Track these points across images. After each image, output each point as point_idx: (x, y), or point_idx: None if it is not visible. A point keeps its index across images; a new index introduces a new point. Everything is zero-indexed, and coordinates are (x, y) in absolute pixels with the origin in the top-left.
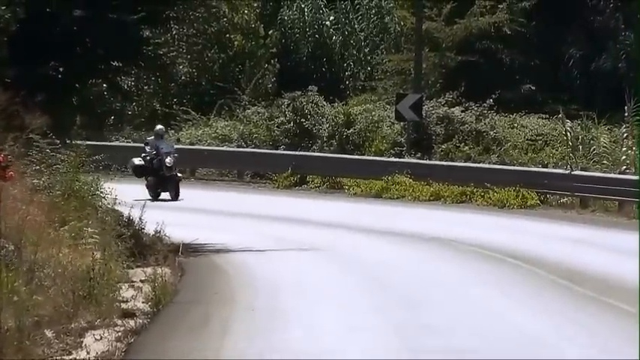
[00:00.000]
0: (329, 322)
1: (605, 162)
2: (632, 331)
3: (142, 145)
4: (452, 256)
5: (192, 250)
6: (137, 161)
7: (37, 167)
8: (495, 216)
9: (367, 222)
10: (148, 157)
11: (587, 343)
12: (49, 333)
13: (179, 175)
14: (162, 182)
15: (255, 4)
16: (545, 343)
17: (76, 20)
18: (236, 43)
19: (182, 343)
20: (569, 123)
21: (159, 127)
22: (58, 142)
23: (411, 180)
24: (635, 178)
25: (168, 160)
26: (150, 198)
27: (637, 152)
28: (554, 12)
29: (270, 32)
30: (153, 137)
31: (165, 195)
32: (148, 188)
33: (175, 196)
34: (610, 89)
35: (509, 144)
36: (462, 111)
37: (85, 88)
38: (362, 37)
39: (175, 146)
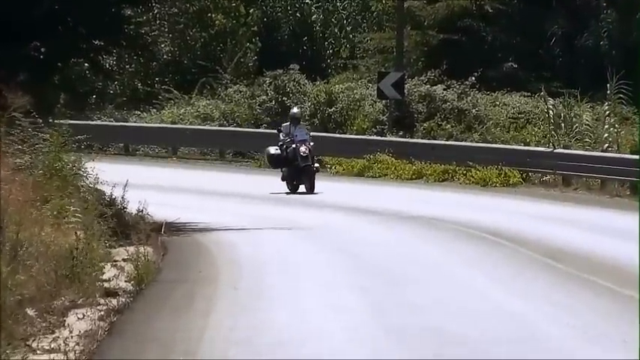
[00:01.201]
0: (312, 300)
1: (587, 140)
2: (612, 308)
3: (275, 131)
4: (434, 234)
5: (175, 229)
6: (272, 150)
7: (20, 147)
8: (478, 194)
9: (349, 201)
10: (284, 146)
11: (569, 321)
12: (31, 312)
13: (316, 165)
14: (296, 173)
15: None
16: (526, 322)
17: None
18: (217, 22)
19: (166, 322)
20: (551, 101)
21: (294, 110)
22: (41, 121)
23: (393, 158)
24: (617, 155)
25: (303, 149)
26: (288, 191)
27: (638, 132)
28: None
29: (251, 11)
30: (288, 122)
31: (302, 187)
32: (283, 180)
33: (310, 189)
34: (592, 67)
35: (491, 122)
36: (444, 89)
37: (66, 68)
38: (344, 16)
39: (311, 134)
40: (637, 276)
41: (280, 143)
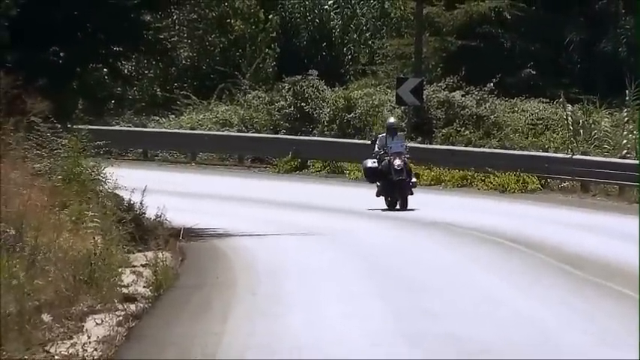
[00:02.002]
0: (329, 306)
1: (606, 146)
2: (632, 315)
3: (369, 142)
4: (452, 240)
5: (193, 234)
6: (369, 163)
7: (39, 152)
8: (496, 200)
9: (368, 206)
10: (380, 158)
11: (587, 328)
12: (49, 317)
13: (413, 180)
14: (389, 188)
15: None
16: (544, 328)
17: (77, 5)
18: (236, 27)
19: (183, 328)
20: (569, 107)
21: (391, 119)
22: (60, 126)
23: (411, 164)
24: (636, 162)
25: (397, 162)
26: (385, 207)
27: (638, 137)
28: None
29: (270, 17)
30: (384, 133)
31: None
32: (378, 195)
33: (403, 206)
34: (611, 73)
35: (509, 128)
36: (463, 95)
37: (85, 73)
38: (362, 21)
39: (406, 144)
40: None
41: (373, 155)
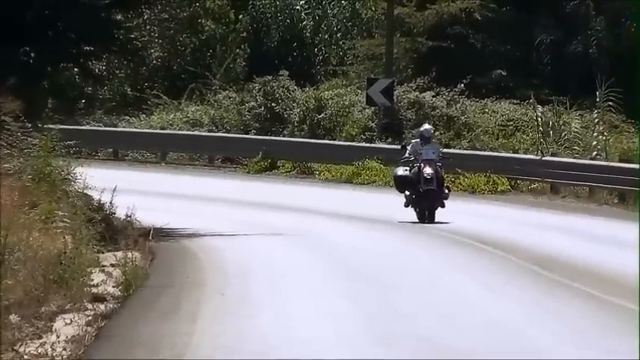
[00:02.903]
0: (299, 307)
1: (576, 147)
2: (602, 315)
3: (399, 147)
4: (422, 241)
5: (163, 234)
6: (400, 171)
7: (8, 151)
8: (466, 201)
9: (338, 207)
10: (410, 166)
11: (558, 328)
12: (18, 317)
13: (446, 191)
14: (417, 198)
15: None
16: (515, 329)
17: (48, 4)
18: (207, 27)
19: (153, 328)
20: (540, 108)
21: (426, 126)
22: (30, 125)
23: (381, 165)
24: (606, 164)
25: (428, 170)
26: (416, 220)
27: (637, 141)
28: None
29: (240, 17)
30: (417, 139)
31: (439, 216)
32: (407, 206)
33: (429, 217)
34: (581, 75)
35: (480, 129)
36: (433, 96)
37: (56, 72)
38: (333, 22)
39: (440, 152)
40: (626, 284)
41: (402, 161)
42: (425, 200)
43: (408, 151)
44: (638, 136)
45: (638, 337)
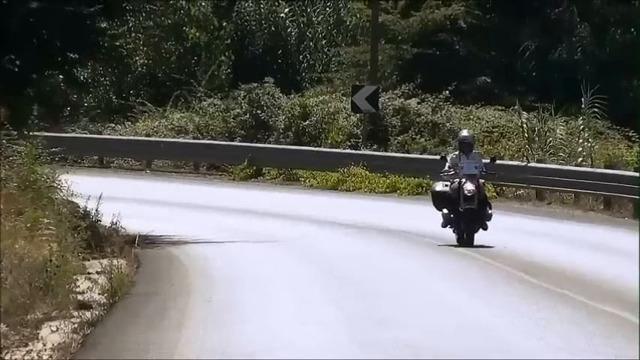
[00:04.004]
0: (285, 313)
1: (561, 154)
2: (586, 321)
3: (439, 157)
4: (407, 248)
5: (149, 241)
6: (439, 186)
7: None
8: None
9: (323, 214)
10: (450, 180)
11: (542, 334)
12: (4, 325)
13: (489, 211)
14: (456, 218)
15: None
16: (500, 336)
17: (33, 12)
18: (191, 35)
19: (139, 335)
20: (525, 115)
21: (464, 132)
22: (15, 133)
23: (367, 172)
24: (591, 170)
25: (469, 187)
26: (456, 243)
27: (638, 149)
28: (510, 4)
29: (224, 24)
30: (456, 151)
31: (481, 237)
32: (445, 226)
33: (468, 239)
34: (566, 81)
35: None
36: (418, 103)
37: (41, 80)
38: (318, 29)
39: (482, 164)
40: (612, 290)
41: (442, 174)
42: (463, 219)
43: (447, 164)
44: (639, 146)
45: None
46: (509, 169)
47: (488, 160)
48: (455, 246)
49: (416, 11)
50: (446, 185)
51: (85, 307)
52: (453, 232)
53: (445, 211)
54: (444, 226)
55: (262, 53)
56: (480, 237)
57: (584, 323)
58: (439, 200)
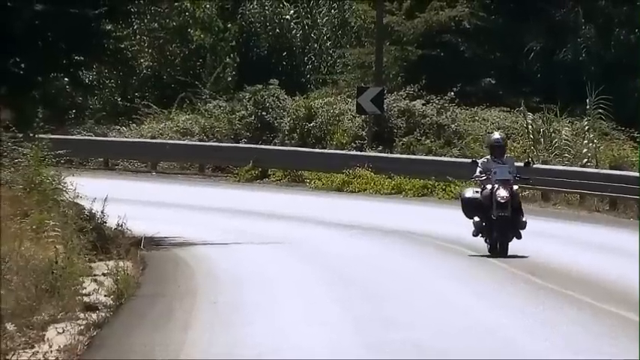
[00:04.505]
0: (291, 315)
1: (566, 155)
2: (592, 322)
3: (470, 162)
4: (413, 249)
5: (154, 243)
6: (469, 192)
7: None
8: (457, 209)
9: (329, 215)
10: (482, 187)
11: (548, 335)
12: (11, 326)
13: (523, 219)
14: (488, 226)
15: None
16: (506, 336)
17: (38, 14)
18: (196, 37)
19: (145, 337)
20: (530, 116)
21: (496, 135)
22: (21, 135)
23: (372, 173)
24: (596, 171)
25: (502, 193)
26: (488, 253)
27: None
28: (515, 5)
29: (229, 26)
30: (487, 156)
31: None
32: (476, 235)
33: (501, 250)
34: (571, 82)
35: (470, 137)
36: (423, 104)
37: (46, 82)
38: (323, 31)
39: (514, 168)
40: (619, 291)
41: (474, 179)
42: (495, 228)
43: (478, 169)
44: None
45: (628, 342)
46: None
47: (522, 165)
48: (487, 256)
49: (420, 13)
50: (477, 192)
51: (91, 308)
52: (485, 241)
53: (476, 219)
54: (475, 235)
55: (267, 55)
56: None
57: (589, 324)
58: (469, 208)
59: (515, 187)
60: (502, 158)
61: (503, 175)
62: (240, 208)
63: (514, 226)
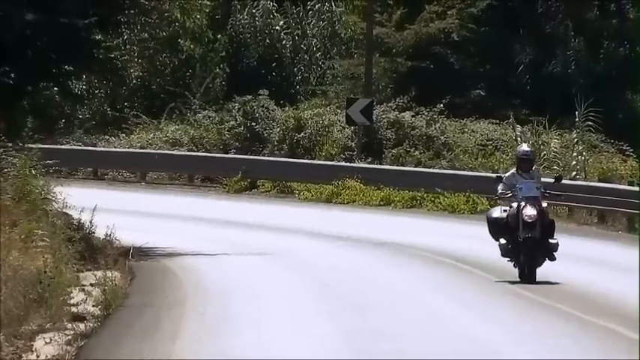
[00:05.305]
0: (279, 326)
1: (555, 167)
2: (580, 335)
3: (494, 177)
4: (402, 260)
5: (143, 253)
6: (496, 212)
7: None
8: (445, 221)
9: (318, 227)
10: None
11: (537, 349)
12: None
13: (552, 241)
14: (515, 248)
15: (207, 10)
16: (494, 348)
17: (28, 24)
18: (186, 47)
19: (133, 347)
20: (519, 128)
21: (524, 147)
22: (10, 145)
23: (361, 185)
24: (585, 184)
25: (529, 212)
26: (518, 279)
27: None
28: (504, 18)
29: (219, 37)
30: (514, 170)
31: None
32: (504, 257)
33: (528, 275)
34: (560, 95)
35: (459, 149)
36: (413, 116)
37: (36, 92)
38: (313, 42)
39: (541, 180)
40: (607, 304)
41: (498, 196)
42: (523, 250)
43: (501, 185)
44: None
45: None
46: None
47: (552, 180)
48: (515, 282)
49: (410, 24)
50: (504, 210)
51: (79, 318)
52: (514, 266)
53: (502, 241)
54: (503, 255)
55: (257, 66)
56: (474, 250)
57: (578, 337)
58: (495, 228)
59: (544, 204)
60: (529, 173)
61: (530, 192)
62: (229, 219)
63: (543, 248)
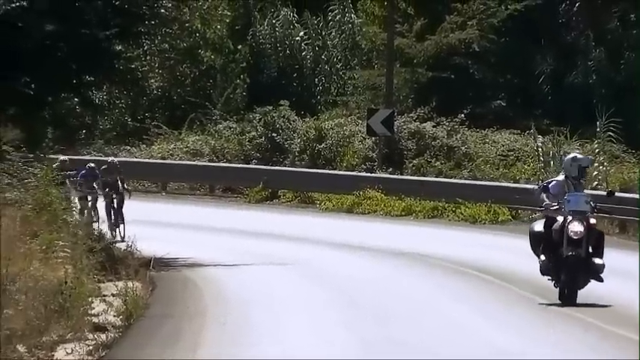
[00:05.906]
0: (299, 336)
1: None
2: (600, 344)
3: (536, 186)
4: (423, 271)
5: (164, 264)
6: (538, 226)
7: (9, 181)
8: (467, 231)
9: (338, 237)
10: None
11: (557, 357)
12: (20, 347)
13: (598, 261)
14: (557, 265)
15: (228, 20)
16: (515, 358)
17: (48, 34)
18: (206, 58)
19: (154, 357)
20: (540, 138)
21: (577, 154)
22: (31, 155)
23: (382, 195)
24: (604, 193)
25: (575, 227)
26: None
27: (638, 172)
28: (525, 28)
29: (239, 47)
30: (562, 176)
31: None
32: (544, 274)
33: (569, 295)
34: (581, 105)
35: (480, 159)
36: (434, 126)
37: (57, 102)
38: (333, 53)
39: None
40: (629, 315)
41: (542, 208)
42: (565, 269)
43: (546, 194)
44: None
45: None
46: (525, 192)
47: (605, 194)
48: (556, 305)
49: (431, 35)
50: (548, 222)
51: (100, 329)
52: (554, 285)
53: (542, 257)
54: (543, 273)
55: (277, 76)
56: (495, 260)
57: (597, 346)
58: (537, 243)
59: (593, 220)
60: (581, 183)
61: (579, 206)
62: (249, 229)
63: (587, 268)
